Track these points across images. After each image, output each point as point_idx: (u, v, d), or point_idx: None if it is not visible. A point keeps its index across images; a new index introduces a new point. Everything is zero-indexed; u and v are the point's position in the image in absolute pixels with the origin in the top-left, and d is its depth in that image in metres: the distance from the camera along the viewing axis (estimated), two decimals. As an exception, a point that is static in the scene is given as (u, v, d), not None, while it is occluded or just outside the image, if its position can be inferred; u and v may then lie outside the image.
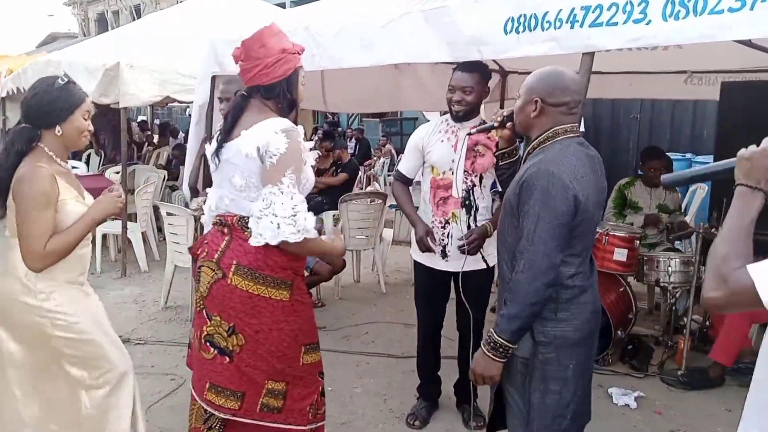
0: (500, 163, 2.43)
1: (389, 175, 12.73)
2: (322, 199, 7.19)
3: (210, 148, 2.26)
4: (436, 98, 5.27)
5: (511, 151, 2.40)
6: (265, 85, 2.13)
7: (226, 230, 2.18)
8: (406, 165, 3.26)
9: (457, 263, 3.04)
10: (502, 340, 1.91)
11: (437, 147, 3.10)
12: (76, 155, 10.41)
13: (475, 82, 2.93)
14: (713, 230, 3.89)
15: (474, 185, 3.03)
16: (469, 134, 2.79)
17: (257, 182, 2.09)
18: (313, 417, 2.32)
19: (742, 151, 1.36)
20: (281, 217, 2.01)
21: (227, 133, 2.19)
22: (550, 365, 1.97)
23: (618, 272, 3.96)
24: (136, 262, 6.17)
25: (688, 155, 7.59)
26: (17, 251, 2.13)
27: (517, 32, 2.71)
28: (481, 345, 1.96)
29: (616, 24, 2.40)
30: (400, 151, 13.27)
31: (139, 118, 16.32)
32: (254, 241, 2.07)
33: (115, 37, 7.56)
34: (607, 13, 2.41)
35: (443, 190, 3.07)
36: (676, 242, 4.88)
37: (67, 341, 2.22)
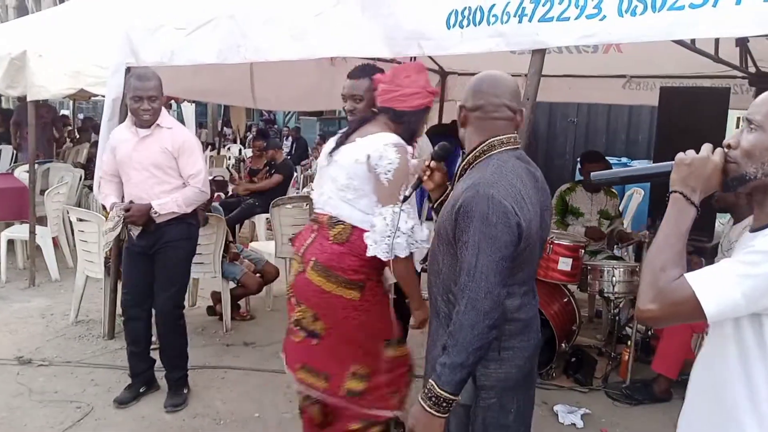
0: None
1: (327, 176, 12.40)
2: (254, 201, 6.82)
3: (326, 148, 2.53)
4: (374, 97, 5.03)
5: (446, 197, 2.05)
6: (397, 109, 2.40)
7: (315, 227, 2.42)
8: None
9: None
10: (446, 394, 1.62)
11: None
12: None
13: (364, 90, 2.64)
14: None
15: None
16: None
17: (359, 185, 2.33)
18: (400, 405, 2.49)
19: (682, 156, 1.29)
20: (407, 233, 2.24)
21: (345, 137, 2.44)
22: (492, 411, 1.75)
23: (562, 282, 3.81)
24: (46, 270, 5.64)
25: (624, 159, 7.64)
26: None
27: (461, 27, 2.48)
28: (419, 400, 1.67)
29: (567, 19, 2.21)
30: (338, 151, 12.94)
31: (61, 112, 15.37)
32: (384, 256, 2.24)
33: (28, 24, 6.94)
34: (558, 7, 2.21)
35: None
36: (616, 249, 4.80)
37: None
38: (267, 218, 6.57)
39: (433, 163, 1.99)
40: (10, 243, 5.82)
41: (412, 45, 2.67)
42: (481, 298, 1.60)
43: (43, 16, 7.12)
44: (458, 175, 1.84)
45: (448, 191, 2.03)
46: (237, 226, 6.76)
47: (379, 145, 2.29)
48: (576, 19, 2.18)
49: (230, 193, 7.49)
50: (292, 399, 3.55)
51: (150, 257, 3.34)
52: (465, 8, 2.46)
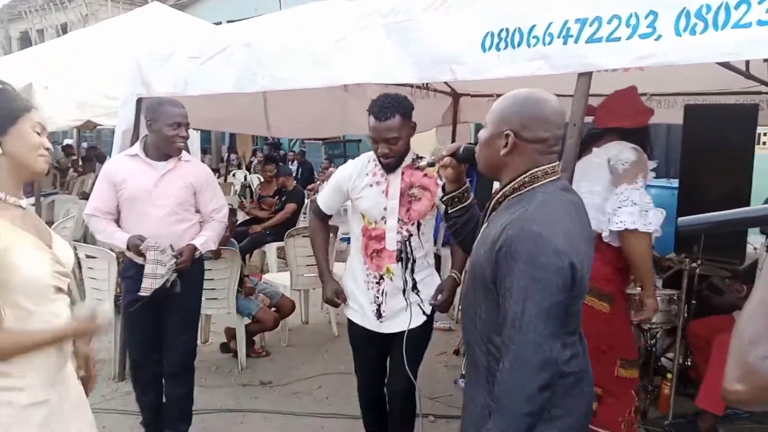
0: (450, 211, 1.93)
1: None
2: (264, 230, 6.66)
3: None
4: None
5: (461, 194, 1.91)
6: (624, 128, 2.76)
7: None
8: (326, 201, 2.81)
9: (392, 323, 2.67)
10: None
11: (366, 193, 2.65)
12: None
13: (398, 128, 2.47)
14: (695, 263, 3.61)
15: (411, 235, 2.62)
16: (417, 165, 2.41)
17: (600, 190, 2.67)
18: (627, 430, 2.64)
19: None
20: (640, 206, 2.52)
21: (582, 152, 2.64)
22: None
23: (597, 313, 3.61)
24: (52, 307, 5.45)
25: (641, 179, 7.45)
26: None
27: (498, 49, 2.33)
28: None
29: (618, 39, 2.05)
30: (344, 174, 12.78)
31: (65, 142, 15.31)
32: (614, 227, 2.53)
33: (32, 56, 6.85)
34: (607, 27, 2.06)
35: (376, 242, 2.65)
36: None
37: None
38: (278, 247, 6.41)
39: (447, 160, 1.84)
40: (16, 279, 5.65)
41: (443, 70, 2.52)
42: (530, 353, 1.40)
43: (48, 48, 7.03)
44: (490, 208, 1.66)
45: (462, 188, 1.89)
46: (247, 256, 6.60)
47: (618, 148, 2.68)
48: (628, 39, 2.03)
49: (238, 221, 7.34)
50: (317, 445, 3.37)
51: (157, 302, 3.01)
52: (502, 30, 2.31)
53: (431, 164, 1.94)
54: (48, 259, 1.64)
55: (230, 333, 4.55)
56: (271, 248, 6.54)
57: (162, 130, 2.94)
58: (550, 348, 1.42)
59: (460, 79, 2.48)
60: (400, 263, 2.62)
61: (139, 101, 3.78)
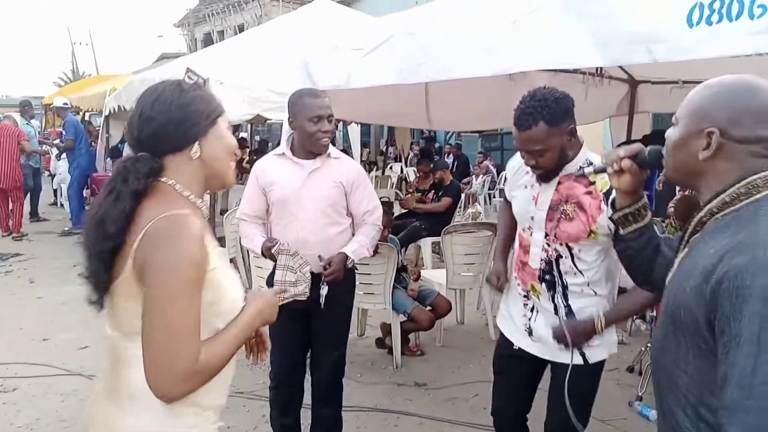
0: (622, 232, 1.57)
1: (490, 193, 11.94)
2: (420, 224, 6.57)
3: None
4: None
5: (638, 210, 1.54)
6: None
7: None
8: (506, 189, 2.55)
9: (545, 347, 2.28)
10: None
11: (519, 193, 2.34)
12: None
13: (543, 138, 2.06)
14: None
15: (560, 256, 2.20)
16: (582, 172, 1.78)
17: None
18: None
19: None
20: None
21: None
22: None
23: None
24: (223, 291, 5.78)
25: None
26: (139, 365, 1.30)
27: (709, 23, 1.93)
28: None
29: None
30: (500, 167, 12.44)
31: (240, 135, 16.48)
32: None
33: (211, 54, 7.36)
34: None
35: (522, 252, 2.31)
36: None
37: None
38: (433, 242, 6.29)
39: (627, 163, 1.49)
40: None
41: (639, 50, 2.15)
42: (765, 425, 1.04)
43: (224, 47, 7.49)
44: (691, 229, 1.30)
45: (639, 204, 1.53)
46: (402, 250, 6.57)
47: None
48: None
49: (395, 214, 7.35)
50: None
51: (307, 315, 2.79)
52: (715, 0, 1.92)
53: (601, 170, 1.57)
54: (237, 279, 1.48)
55: (386, 329, 4.49)
56: (426, 243, 6.44)
57: (303, 126, 2.68)
58: None
59: (660, 61, 2.10)
60: (544, 284, 2.25)
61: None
